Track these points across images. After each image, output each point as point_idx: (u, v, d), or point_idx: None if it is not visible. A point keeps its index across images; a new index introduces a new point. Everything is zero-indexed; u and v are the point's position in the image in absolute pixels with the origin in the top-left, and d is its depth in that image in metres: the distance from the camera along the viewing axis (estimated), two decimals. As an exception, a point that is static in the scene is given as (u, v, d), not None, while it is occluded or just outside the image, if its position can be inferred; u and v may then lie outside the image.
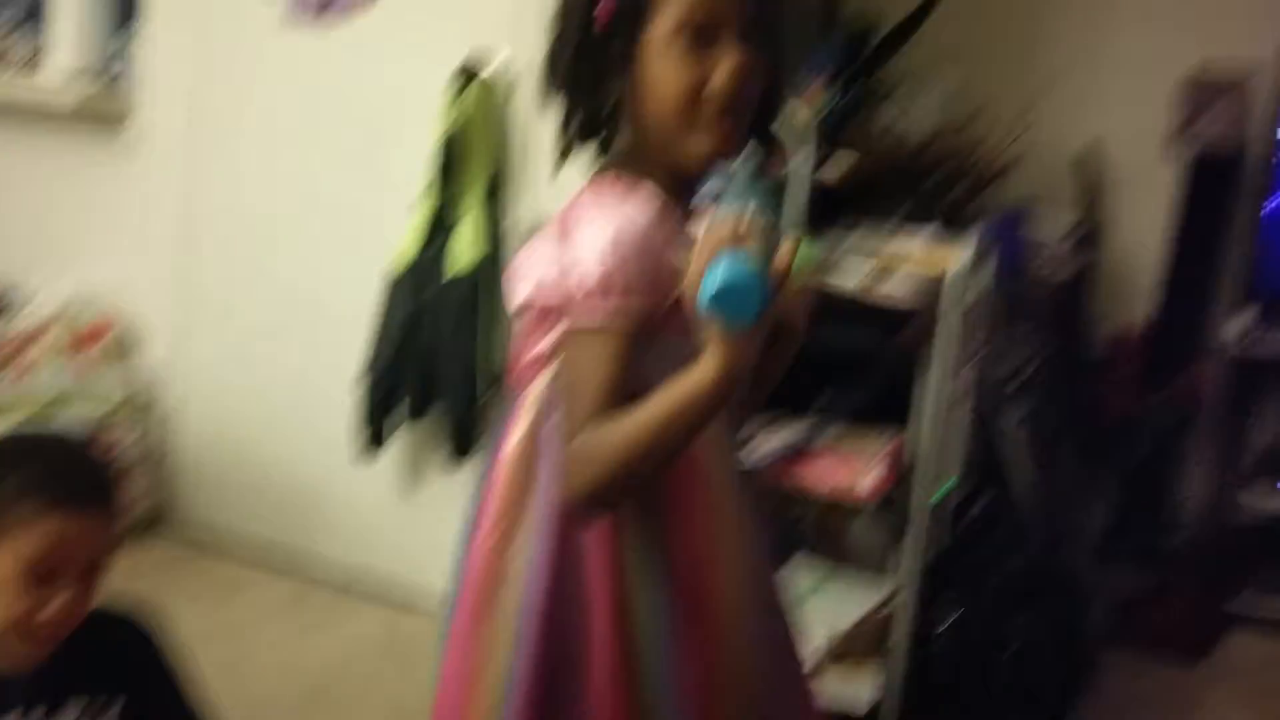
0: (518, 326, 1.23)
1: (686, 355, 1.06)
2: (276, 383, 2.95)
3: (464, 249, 2.55)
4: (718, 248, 1.00)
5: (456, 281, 2.55)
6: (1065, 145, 3.43)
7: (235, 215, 2.97)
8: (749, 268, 0.98)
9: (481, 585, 1.23)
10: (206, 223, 3.01)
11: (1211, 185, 3.31)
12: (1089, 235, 3.37)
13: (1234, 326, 3.32)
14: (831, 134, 2.62)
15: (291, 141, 2.87)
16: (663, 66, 1.15)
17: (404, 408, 2.64)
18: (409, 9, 2.69)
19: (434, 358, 2.59)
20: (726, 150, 1.18)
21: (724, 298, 0.98)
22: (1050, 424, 2.89)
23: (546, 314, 1.15)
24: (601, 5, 1.16)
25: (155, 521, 3.08)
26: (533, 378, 1.22)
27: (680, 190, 1.21)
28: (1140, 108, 3.39)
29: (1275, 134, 3.20)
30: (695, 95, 1.14)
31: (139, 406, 3.07)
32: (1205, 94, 3.29)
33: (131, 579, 2.71)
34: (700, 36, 1.14)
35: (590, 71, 1.18)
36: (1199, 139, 3.30)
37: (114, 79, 3.10)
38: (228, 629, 2.61)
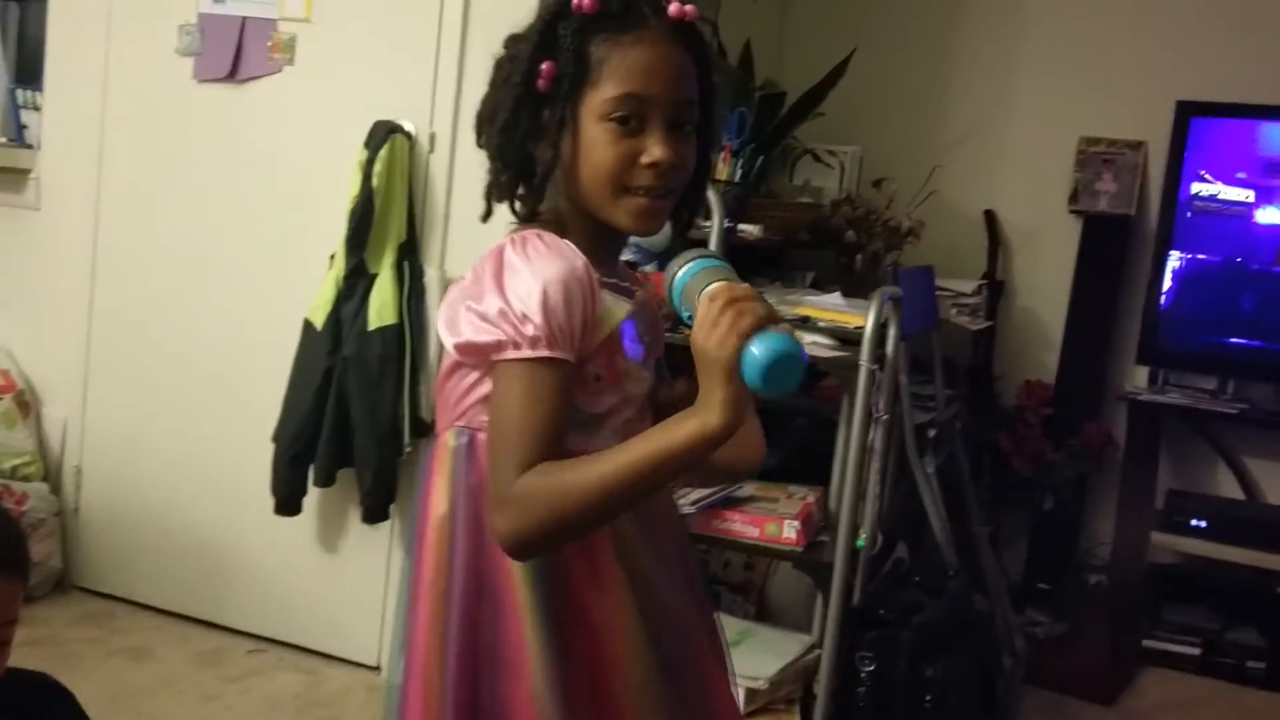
0: (444, 370, 1.23)
1: (605, 399, 1.13)
2: (187, 441, 2.90)
3: (383, 303, 2.55)
4: (754, 322, 1.03)
5: (376, 334, 2.54)
6: (969, 207, 3.56)
7: (143, 272, 2.93)
8: (793, 341, 1.05)
9: (426, 650, 1.20)
10: (114, 280, 2.96)
11: (1107, 245, 3.46)
12: (995, 292, 3.49)
13: (1136, 377, 3.46)
14: (743, 198, 2.69)
15: (202, 199, 2.85)
16: (596, 135, 1.17)
17: (320, 465, 2.60)
18: (322, 70, 2.70)
19: (351, 412, 2.57)
20: (652, 225, 1.21)
21: (776, 370, 1.03)
22: (964, 473, 2.96)
23: (481, 353, 1.14)
24: (544, 67, 1.17)
25: (62, 582, 3.00)
26: (452, 422, 1.22)
27: (599, 251, 1.21)
28: (1037, 173, 3.55)
29: (1165, 199, 3.35)
30: (626, 168, 1.17)
31: (44, 466, 3.00)
32: (1097, 160, 3.45)
33: (41, 641, 2.66)
34: (634, 113, 1.16)
35: (525, 130, 1.20)
36: (1093, 202, 3.45)
37: (18, 135, 3.05)
38: (139, 690, 2.54)
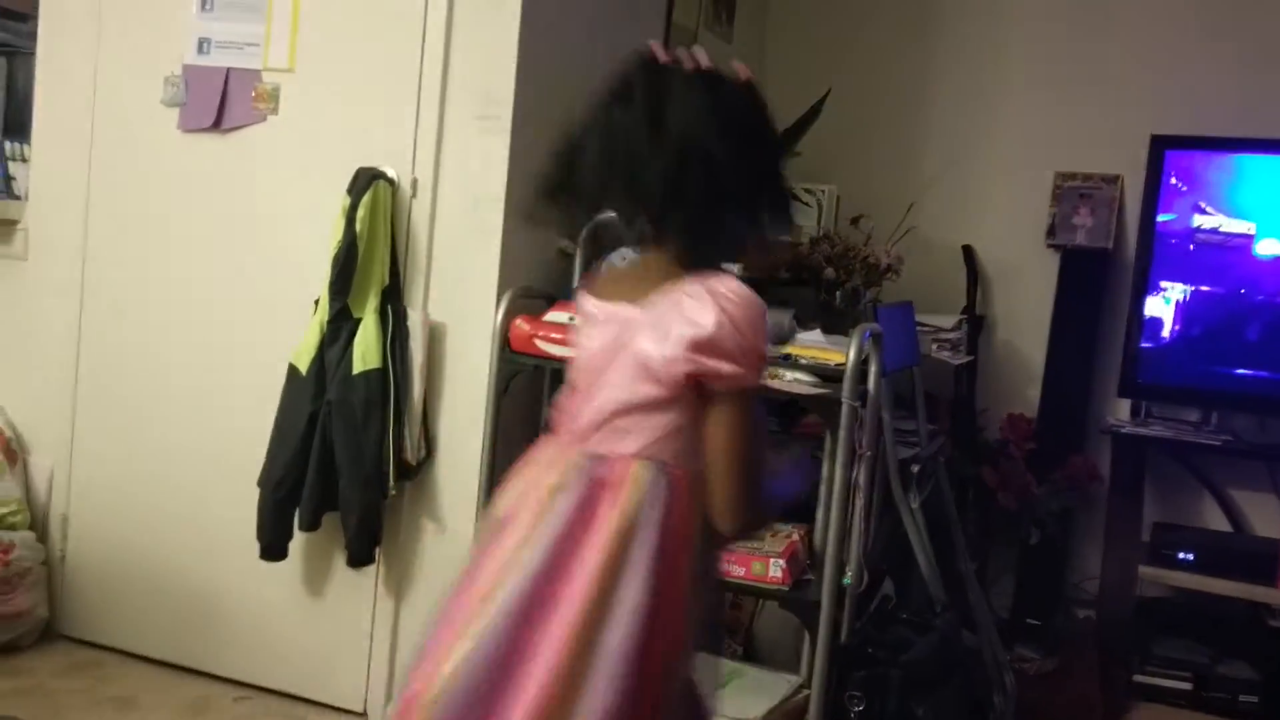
0: (632, 402, 1.38)
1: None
2: (174, 488, 2.90)
3: (367, 347, 2.56)
4: None
5: (360, 378, 2.55)
6: (948, 242, 3.60)
7: (130, 321, 2.94)
8: None
9: (581, 626, 1.31)
10: (100, 329, 2.98)
11: (1085, 279, 3.49)
12: (975, 326, 3.51)
13: (1119, 410, 3.48)
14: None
15: (187, 246, 2.87)
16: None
17: (305, 509, 2.60)
18: (306, 118, 2.74)
19: (336, 456, 2.57)
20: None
21: None
22: (949, 508, 2.96)
23: (697, 365, 1.32)
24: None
25: (49, 631, 2.98)
26: (639, 451, 1.37)
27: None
28: (1015, 207, 3.59)
29: (1143, 232, 3.38)
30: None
31: (31, 514, 2.99)
32: (1073, 195, 3.50)
33: (28, 690, 2.64)
34: None
35: (723, 207, 1.38)
36: (1070, 236, 3.49)
37: (6, 187, 3.08)
38: (123, 746, 2.53)
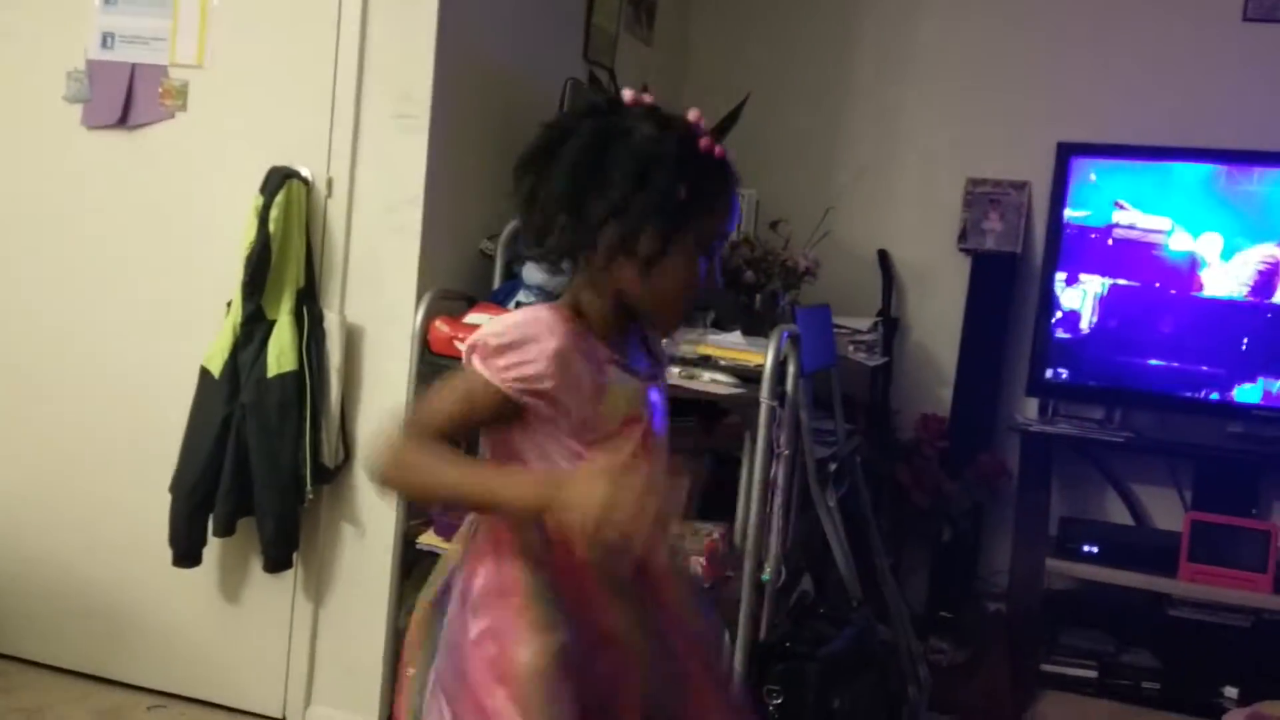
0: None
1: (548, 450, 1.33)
2: (82, 495, 2.83)
3: (282, 349, 2.52)
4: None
5: (275, 381, 2.51)
6: (863, 246, 3.67)
7: (33, 323, 2.86)
8: None
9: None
10: (2, 333, 2.89)
11: (995, 282, 3.59)
12: (890, 329, 3.58)
13: (1027, 408, 3.57)
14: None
15: (94, 246, 2.80)
16: (686, 257, 1.36)
17: (220, 515, 2.56)
18: (216, 115, 2.69)
19: (252, 461, 2.53)
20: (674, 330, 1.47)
21: None
22: (865, 506, 3.02)
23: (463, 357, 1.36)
24: (684, 187, 1.32)
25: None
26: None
27: (615, 335, 1.41)
28: (928, 213, 3.68)
29: (1050, 236, 3.49)
30: (691, 288, 1.38)
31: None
32: (983, 201, 3.59)
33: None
34: (716, 248, 1.40)
35: (626, 222, 1.32)
36: (981, 240, 3.59)
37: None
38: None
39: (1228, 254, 3.34)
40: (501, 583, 1.36)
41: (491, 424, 1.36)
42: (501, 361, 1.31)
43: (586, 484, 1.19)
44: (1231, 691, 3.18)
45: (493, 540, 1.39)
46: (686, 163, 1.33)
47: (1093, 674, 3.30)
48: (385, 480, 1.33)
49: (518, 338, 1.32)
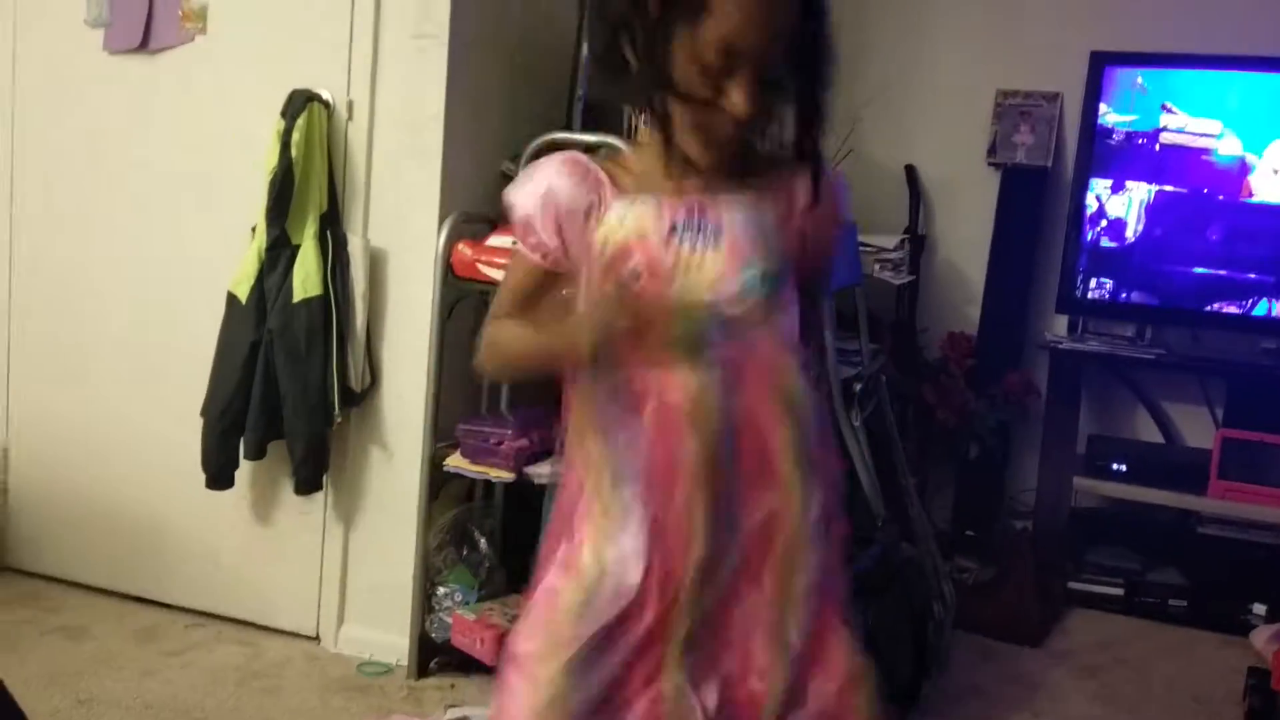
0: None
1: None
2: (115, 418, 2.87)
3: (307, 274, 2.53)
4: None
5: (301, 306, 2.52)
6: (889, 162, 3.60)
7: (62, 247, 2.88)
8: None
9: None
10: (31, 256, 2.92)
11: (1025, 197, 3.53)
12: (917, 246, 3.54)
13: (1057, 326, 3.54)
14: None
15: (118, 170, 2.80)
16: (690, 73, 1.20)
17: (250, 438, 2.59)
18: (236, 38, 2.66)
19: (280, 385, 2.56)
20: (728, 166, 1.28)
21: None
22: (890, 426, 3.01)
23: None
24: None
25: (-7, 563, 2.98)
26: None
27: (713, 157, 1.27)
28: (956, 126, 3.60)
29: (1081, 150, 3.42)
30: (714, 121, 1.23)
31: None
32: (1013, 114, 3.52)
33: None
34: (724, 65, 1.19)
35: (631, 52, 1.23)
36: (1011, 154, 3.52)
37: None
38: (77, 669, 2.53)
39: (1273, 158, 3.25)
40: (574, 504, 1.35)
41: (553, 285, 1.37)
42: (521, 229, 1.35)
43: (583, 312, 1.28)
44: (1260, 609, 3.19)
45: (577, 438, 1.35)
46: None
47: (1119, 592, 3.31)
48: (483, 365, 1.41)
49: (527, 202, 1.34)
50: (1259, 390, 3.33)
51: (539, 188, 1.32)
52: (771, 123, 1.29)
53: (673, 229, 1.28)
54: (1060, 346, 3.41)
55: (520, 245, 1.36)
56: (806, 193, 1.34)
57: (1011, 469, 3.60)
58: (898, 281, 3.23)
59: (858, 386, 2.76)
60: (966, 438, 3.44)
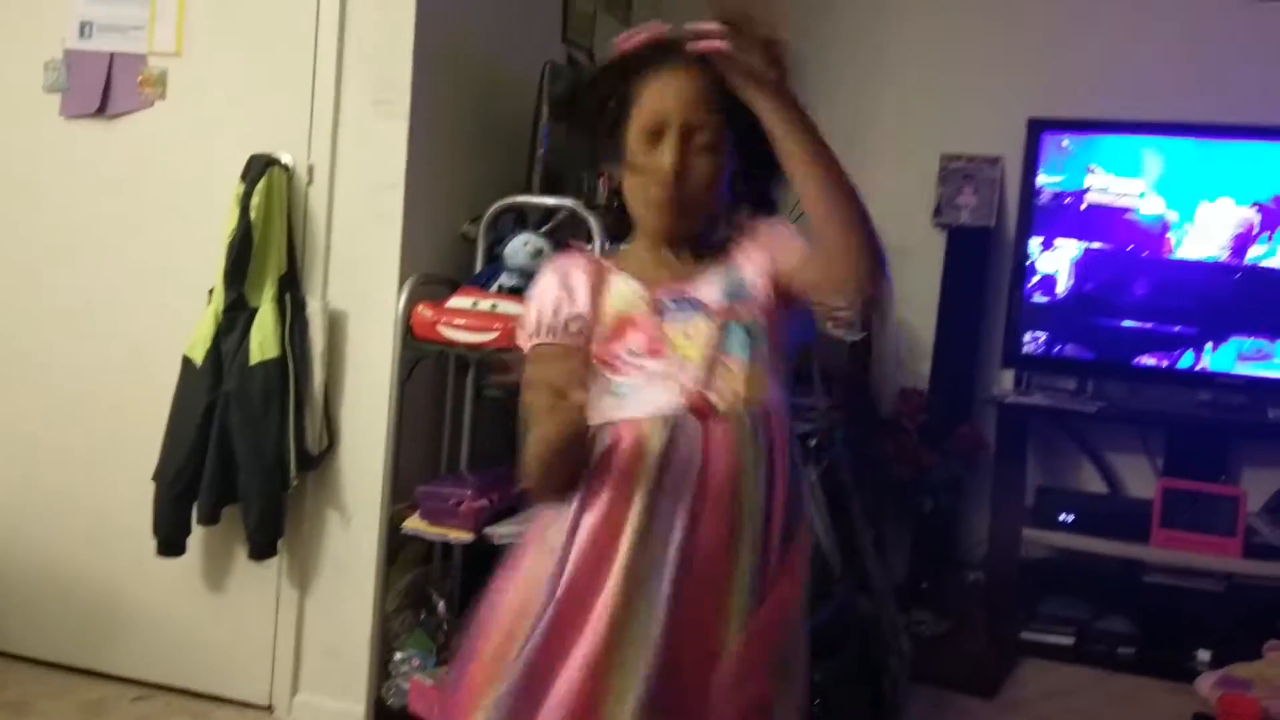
0: None
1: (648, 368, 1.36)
2: (66, 486, 2.82)
3: (265, 337, 2.53)
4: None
5: (259, 368, 2.51)
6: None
7: (16, 314, 2.85)
8: None
9: None
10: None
11: (970, 256, 3.63)
12: (869, 305, 3.61)
13: (1003, 380, 3.62)
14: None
15: (74, 236, 2.79)
16: (635, 149, 1.38)
17: (204, 503, 2.56)
18: (196, 103, 2.68)
19: (235, 448, 2.54)
20: (663, 219, 1.40)
21: None
22: (847, 481, 3.05)
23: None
24: (609, 91, 1.41)
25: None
26: None
27: (651, 260, 1.43)
28: (902, 189, 3.70)
29: (1022, 210, 3.53)
30: (655, 176, 1.37)
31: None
32: (956, 177, 3.63)
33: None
34: (652, 136, 1.37)
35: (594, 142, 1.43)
36: (955, 215, 3.62)
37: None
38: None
39: (1194, 217, 3.39)
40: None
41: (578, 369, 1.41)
42: (528, 331, 1.40)
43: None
44: (1204, 655, 3.25)
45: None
46: (604, 72, 1.43)
47: (1070, 641, 3.36)
48: (528, 484, 1.37)
49: (531, 308, 1.42)
50: (1197, 440, 3.43)
51: (549, 278, 1.42)
52: (719, 194, 1.42)
53: (660, 306, 1.40)
54: (1006, 401, 3.49)
55: (526, 350, 1.40)
56: (761, 228, 1.47)
57: (964, 521, 3.65)
58: (851, 339, 3.29)
59: (813, 442, 2.80)
60: (921, 492, 3.49)
